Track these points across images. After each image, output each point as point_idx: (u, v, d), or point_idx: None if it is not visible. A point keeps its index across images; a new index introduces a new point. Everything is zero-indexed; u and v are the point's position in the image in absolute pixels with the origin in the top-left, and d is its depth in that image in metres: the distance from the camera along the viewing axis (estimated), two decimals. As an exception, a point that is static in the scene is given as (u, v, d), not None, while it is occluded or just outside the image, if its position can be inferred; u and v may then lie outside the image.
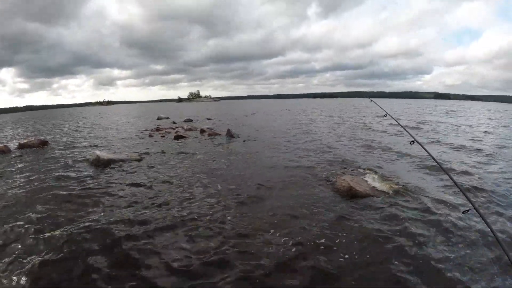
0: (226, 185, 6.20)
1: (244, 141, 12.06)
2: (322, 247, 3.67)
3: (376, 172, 6.87)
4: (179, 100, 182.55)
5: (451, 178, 2.85)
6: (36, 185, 6.32)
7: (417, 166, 7.70)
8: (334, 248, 3.65)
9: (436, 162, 3.27)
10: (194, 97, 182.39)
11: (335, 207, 4.92)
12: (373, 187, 5.88)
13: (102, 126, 22.01)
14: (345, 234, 3.96)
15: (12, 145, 12.13)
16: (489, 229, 2.14)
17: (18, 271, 3.20)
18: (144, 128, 18.00)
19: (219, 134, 13.89)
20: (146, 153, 9.58)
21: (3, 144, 11.75)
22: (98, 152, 8.38)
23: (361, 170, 7.15)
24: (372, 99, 7.47)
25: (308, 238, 3.86)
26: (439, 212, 4.62)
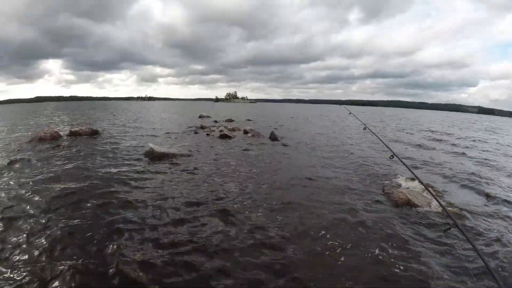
0: (280, 188, 6.20)
1: (287, 145, 11.97)
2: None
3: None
4: (217, 100, 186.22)
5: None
6: (94, 172, 6.67)
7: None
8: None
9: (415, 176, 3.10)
10: (231, 98, 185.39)
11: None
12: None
13: (149, 121, 22.81)
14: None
15: (63, 132, 12.65)
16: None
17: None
18: (189, 125, 18.44)
19: (263, 136, 13.89)
20: (196, 150, 9.79)
21: (54, 130, 12.23)
22: (151, 145, 8.66)
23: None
24: (351, 111, 7.50)
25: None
26: None
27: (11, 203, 4.77)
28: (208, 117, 27.13)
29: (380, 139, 5.44)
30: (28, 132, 13.52)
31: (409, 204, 5.42)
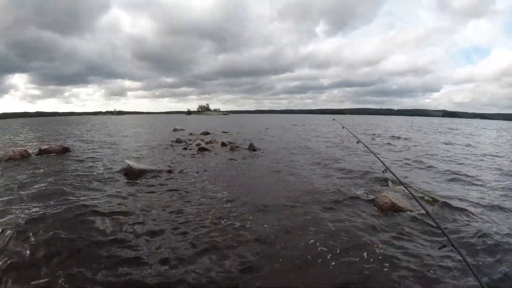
0: (264, 199, 5.99)
1: (265, 154, 11.90)
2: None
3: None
4: (189, 112, 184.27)
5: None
6: (70, 193, 6.18)
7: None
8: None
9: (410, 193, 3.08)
10: (204, 110, 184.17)
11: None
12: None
13: (121, 136, 21.93)
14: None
15: (32, 150, 11.96)
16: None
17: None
18: (164, 139, 17.93)
19: (241, 148, 13.71)
20: (175, 164, 9.43)
21: (23, 148, 11.53)
22: (128, 162, 8.21)
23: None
24: (335, 118, 7.73)
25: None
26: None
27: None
28: (183, 130, 26.65)
29: (373, 153, 5.40)
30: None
31: (394, 208, 5.41)
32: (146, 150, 13.40)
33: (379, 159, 4.78)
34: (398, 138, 21.37)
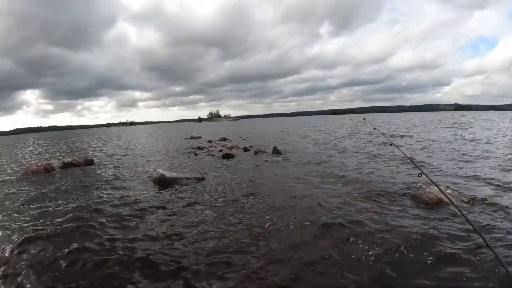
0: (306, 202, 5.73)
1: (291, 157, 11.65)
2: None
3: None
4: (200, 120, 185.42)
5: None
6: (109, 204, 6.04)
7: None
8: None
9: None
10: (214, 117, 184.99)
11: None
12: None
13: (140, 146, 21.97)
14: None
15: (55, 164, 11.94)
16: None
17: None
18: (184, 147, 17.84)
19: (265, 152, 13.51)
20: (205, 172, 9.25)
21: (46, 162, 11.51)
22: (161, 171, 8.06)
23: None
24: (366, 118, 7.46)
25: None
26: None
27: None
28: (199, 137, 26.59)
29: (407, 157, 5.10)
30: (16, 166, 12.60)
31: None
32: (170, 158, 13.29)
33: (413, 163, 4.65)
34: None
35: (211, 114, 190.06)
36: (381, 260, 3.50)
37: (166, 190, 7.19)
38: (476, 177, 7.36)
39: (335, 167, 9.35)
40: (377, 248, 3.78)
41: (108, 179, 8.90)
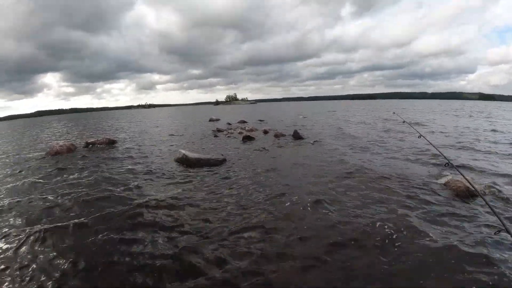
0: (331, 186, 5.61)
1: (314, 142, 11.42)
2: None
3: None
4: (217, 103, 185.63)
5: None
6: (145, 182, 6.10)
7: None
8: None
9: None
10: (232, 100, 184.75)
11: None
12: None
13: (161, 127, 22.21)
14: None
15: (78, 144, 12.18)
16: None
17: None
18: (205, 129, 17.92)
19: (284, 135, 13.36)
20: (227, 154, 9.24)
21: (69, 142, 11.74)
22: (184, 151, 8.11)
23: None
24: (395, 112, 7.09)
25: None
26: None
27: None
28: (218, 120, 26.65)
29: (436, 147, 4.92)
30: (41, 146, 12.95)
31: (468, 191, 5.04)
32: (192, 140, 13.40)
33: (441, 154, 4.65)
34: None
35: (228, 97, 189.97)
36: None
37: (190, 170, 7.24)
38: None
39: (358, 160, 9.15)
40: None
41: (132, 157, 9.07)
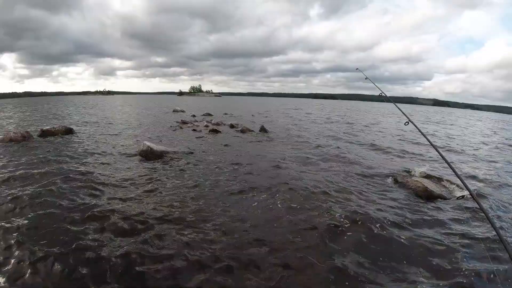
0: (300, 179, 5.72)
1: (278, 137, 11.62)
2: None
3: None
4: (181, 93, 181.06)
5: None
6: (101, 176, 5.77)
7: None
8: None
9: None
10: (196, 91, 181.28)
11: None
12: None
13: (122, 117, 21.21)
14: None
15: (32, 132, 11.15)
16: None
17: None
18: (168, 121, 17.39)
19: (252, 130, 13.36)
20: (193, 147, 9.02)
21: (24, 130, 10.79)
22: (148, 143, 7.75)
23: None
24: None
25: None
26: None
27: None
28: (183, 111, 26.03)
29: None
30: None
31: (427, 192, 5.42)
32: (156, 131, 12.91)
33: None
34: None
35: (192, 88, 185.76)
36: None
37: (154, 163, 6.96)
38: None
39: (332, 152, 9.37)
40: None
41: (90, 149, 8.54)
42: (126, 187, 5.23)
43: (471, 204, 4.90)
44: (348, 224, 4.00)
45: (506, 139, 16.70)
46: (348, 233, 3.80)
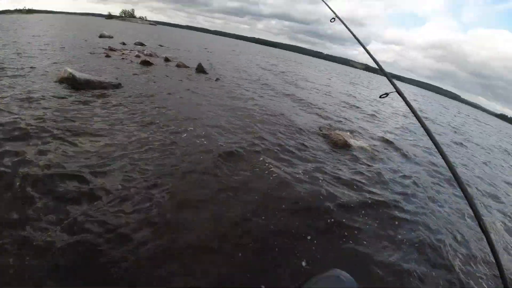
0: (226, 121, 5.89)
1: (217, 78, 11.33)
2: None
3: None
4: (110, 16, 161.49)
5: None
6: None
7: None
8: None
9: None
10: (128, 16, 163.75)
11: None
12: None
13: (42, 38, 18.40)
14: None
15: None
16: None
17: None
18: (94, 46, 15.59)
19: (188, 67, 12.83)
20: (122, 78, 8.38)
21: None
22: (71, 70, 6.94)
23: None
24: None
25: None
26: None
27: None
28: (111, 37, 23.54)
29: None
30: None
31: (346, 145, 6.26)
32: (80, 57, 11.46)
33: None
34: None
35: (124, 12, 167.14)
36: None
37: (77, 92, 6.37)
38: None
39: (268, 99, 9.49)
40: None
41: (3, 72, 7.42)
42: (41, 116, 4.77)
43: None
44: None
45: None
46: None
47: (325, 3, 3.53)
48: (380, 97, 2.34)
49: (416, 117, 1.81)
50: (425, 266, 3.05)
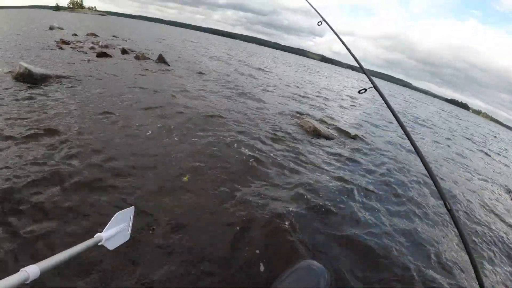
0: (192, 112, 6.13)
1: (179, 70, 11.40)
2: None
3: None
4: (57, 8, 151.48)
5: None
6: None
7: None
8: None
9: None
10: (76, 7, 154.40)
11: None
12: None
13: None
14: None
15: None
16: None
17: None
18: (45, 39, 14.82)
19: (149, 58, 12.68)
20: (78, 71, 8.21)
21: None
22: (25, 64, 6.71)
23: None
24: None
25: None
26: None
27: None
28: (61, 29, 22.41)
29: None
30: None
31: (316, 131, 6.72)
32: (31, 51, 10.90)
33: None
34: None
35: (72, 3, 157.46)
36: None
37: (34, 88, 6.22)
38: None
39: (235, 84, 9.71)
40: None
41: None
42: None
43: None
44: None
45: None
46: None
47: (313, 7, 3.89)
48: (359, 92, 2.63)
49: (390, 110, 2.13)
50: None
